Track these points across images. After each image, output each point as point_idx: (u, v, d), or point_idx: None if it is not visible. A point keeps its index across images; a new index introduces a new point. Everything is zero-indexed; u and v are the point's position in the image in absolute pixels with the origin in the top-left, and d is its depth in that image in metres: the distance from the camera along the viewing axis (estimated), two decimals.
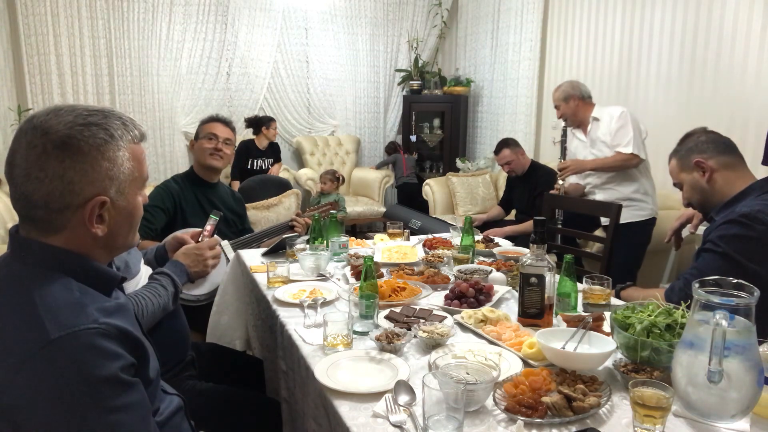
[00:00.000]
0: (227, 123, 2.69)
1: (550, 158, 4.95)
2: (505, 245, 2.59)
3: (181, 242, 1.87)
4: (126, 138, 1.00)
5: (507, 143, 4.05)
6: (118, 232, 1.02)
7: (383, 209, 5.61)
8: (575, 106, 3.39)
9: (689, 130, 1.93)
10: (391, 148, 6.23)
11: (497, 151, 4.07)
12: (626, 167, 3.22)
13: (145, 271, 1.71)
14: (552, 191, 3.44)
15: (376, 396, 1.21)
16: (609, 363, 1.32)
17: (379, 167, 6.20)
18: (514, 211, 4.46)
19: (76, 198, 0.95)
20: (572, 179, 3.44)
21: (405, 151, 6.13)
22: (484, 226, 4.13)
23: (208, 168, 2.65)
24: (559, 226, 3.31)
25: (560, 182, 3.42)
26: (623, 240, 3.07)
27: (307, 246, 2.27)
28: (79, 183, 0.94)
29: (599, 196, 3.33)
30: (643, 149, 3.18)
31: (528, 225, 3.93)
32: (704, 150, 1.79)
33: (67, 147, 0.93)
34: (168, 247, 1.88)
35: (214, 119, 2.69)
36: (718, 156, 1.77)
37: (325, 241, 2.35)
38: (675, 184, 1.90)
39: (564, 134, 3.50)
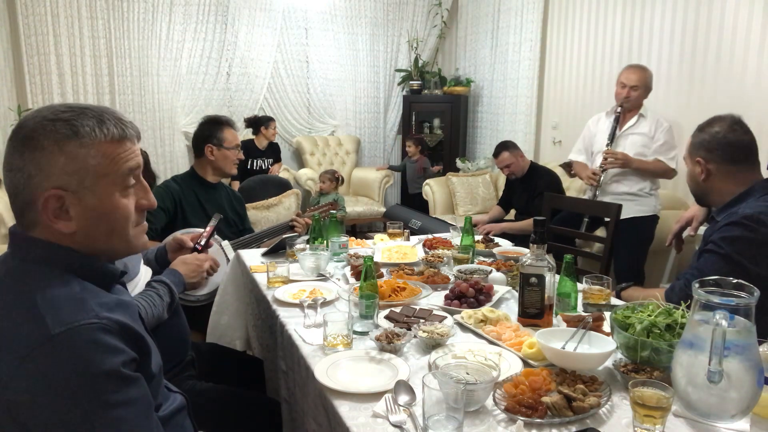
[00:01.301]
0: None
1: (549, 158, 4.95)
2: (505, 245, 2.59)
3: (181, 244, 1.86)
4: (96, 136, 0.97)
5: (506, 146, 4.03)
6: (92, 232, 0.99)
7: (383, 209, 5.61)
8: (644, 97, 3.30)
9: (721, 114, 1.78)
10: (420, 144, 5.86)
11: (496, 154, 4.05)
12: (662, 177, 3.29)
13: (144, 272, 1.70)
14: (591, 176, 3.33)
15: (376, 396, 1.21)
16: (609, 363, 1.33)
17: (394, 168, 6.12)
18: (513, 211, 4.45)
19: (34, 192, 0.95)
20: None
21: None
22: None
23: (228, 175, 2.72)
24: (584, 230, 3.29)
25: (601, 167, 3.27)
26: (626, 237, 3.07)
27: (307, 246, 2.27)
28: (36, 177, 0.94)
29: (606, 186, 3.32)
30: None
31: (525, 223, 3.93)
32: (712, 149, 1.73)
33: (29, 141, 0.95)
34: (168, 248, 1.88)
35: (233, 126, 2.71)
36: (723, 163, 1.72)
37: (325, 241, 2.35)
38: (684, 158, 1.88)
39: (617, 120, 3.33)
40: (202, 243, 1.87)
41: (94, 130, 0.97)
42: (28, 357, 0.85)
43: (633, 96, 3.26)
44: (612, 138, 3.32)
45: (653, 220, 3.28)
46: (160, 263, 1.83)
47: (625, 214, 3.02)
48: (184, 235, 1.89)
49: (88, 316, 0.89)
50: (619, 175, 3.29)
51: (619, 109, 3.32)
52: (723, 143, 1.72)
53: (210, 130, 2.64)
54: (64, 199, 0.96)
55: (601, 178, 3.30)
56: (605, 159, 3.25)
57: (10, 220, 3.40)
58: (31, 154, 0.94)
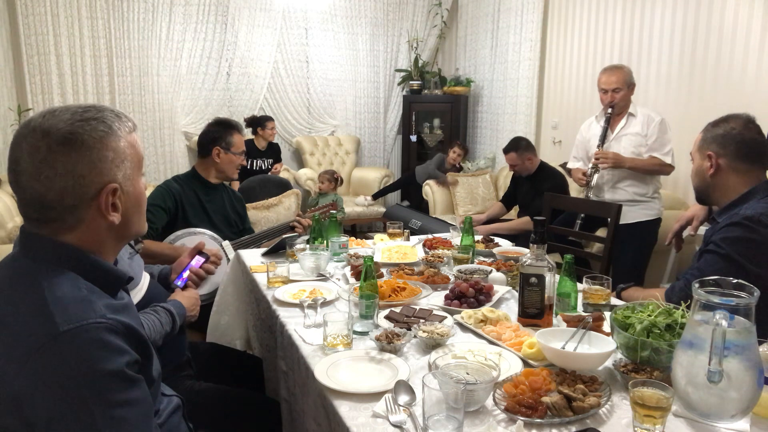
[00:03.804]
0: None
1: (549, 158, 4.93)
2: (505, 245, 2.59)
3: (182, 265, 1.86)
4: (123, 129, 1.03)
5: (517, 147, 3.98)
6: (130, 218, 1.05)
7: (383, 209, 5.60)
8: (630, 95, 3.26)
9: (737, 112, 1.78)
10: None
11: (506, 151, 4.03)
12: (659, 173, 3.23)
13: (144, 281, 1.68)
14: (581, 177, 3.31)
15: (376, 396, 1.21)
16: (609, 363, 1.33)
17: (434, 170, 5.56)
18: (514, 210, 4.45)
19: (88, 190, 0.97)
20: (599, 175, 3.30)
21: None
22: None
23: (230, 179, 2.73)
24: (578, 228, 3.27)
25: (592, 168, 3.24)
26: (630, 240, 3.06)
27: (307, 246, 2.27)
28: (89, 175, 0.97)
29: (609, 195, 3.28)
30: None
31: (516, 223, 3.93)
32: (726, 145, 1.72)
33: (72, 142, 0.95)
34: (173, 269, 1.87)
35: (242, 131, 2.72)
36: (734, 159, 1.72)
37: (325, 241, 2.35)
38: (691, 153, 1.87)
39: (608, 121, 3.28)
40: (184, 276, 1.83)
41: (119, 124, 1.02)
42: (35, 353, 0.86)
43: (617, 98, 3.22)
44: (603, 140, 3.28)
45: (656, 223, 3.26)
46: (161, 280, 1.83)
47: (629, 219, 3.00)
48: (185, 257, 1.88)
49: (95, 315, 0.90)
50: (618, 181, 3.25)
51: (609, 110, 3.27)
52: (737, 139, 1.72)
53: (220, 133, 2.63)
54: (116, 191, 1.00)
55: (593, 180, 3.27)
56: (596, 159, 3.23)
57: (9, 221, 3.40)
58: (79, 154, 0.96)
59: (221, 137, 2.62)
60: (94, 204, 0.98)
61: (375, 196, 5.71)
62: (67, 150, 0.95)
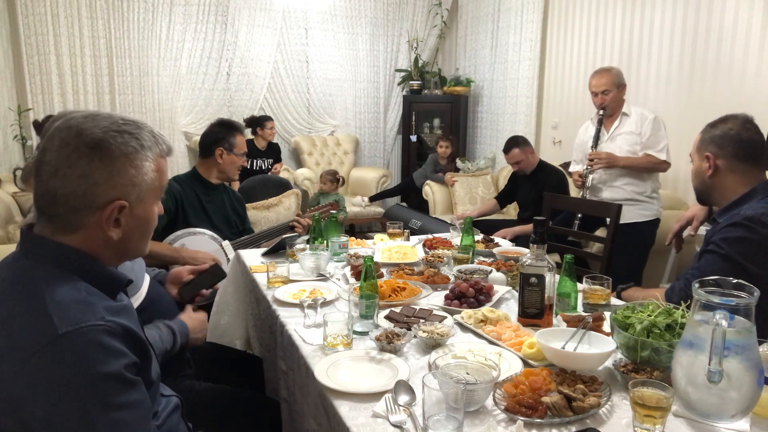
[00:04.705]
0: None
1: (549, 158, 4.93)
2: (505, 245, 2.59)
3: (179, 277, 1.80)
4: (154, 150, 1.03)
5: (517, 142, 3.99)
6: (130, 238, 1.04)
7: (382, 210, 5.60)
8: (621, 96, 3.26)
9: (734, 113, 1.77)
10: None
11: (506, 150, 4.02)
12: (655, 170, 3.23)
13: (145, 284, 1.68)
14: (577, 179, 3.32)
15: (376, 396, 1.21)
16: (609, 363, 1.33)
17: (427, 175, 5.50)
18: (511, 209, 4.43)
19: (97, 199, 0.97)
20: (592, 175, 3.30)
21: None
22: (485, 225, 4.11)
23: (231, 180, 2.74)
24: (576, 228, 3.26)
25: (586, 168, 3.25)
26: (628, 240, 3.06)
27: (307, 246, 2.27)
28: (103, 185, 0.97)
29: (606, 193, 3.28)
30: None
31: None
32: (723, 146, 1.72)
33: (99, 149, 0.96)
34: (168, 279, 1.82)
35: (244, 133, 2.73)
36: (732, 160, 1.71)
37: (325, 241, 2.35)
38: (690, 154, 1.86)
39: (600, 122, 3.30)
40: (190, 289, 1.77)
41: (152, 145, 1.02)
42: (34, 354, 0.86)
43: (608, 100, 3.23)
44: (596, 141, 3.30)
45: (655, 224, 3.26)
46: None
47: (627, 219, 3.00)
48: (182, 270, 1.85)
49: (94, 318, 0.90)
50: (615, 179, 3.26)
51: (601, 112, 3.29)
52: (735, 140, 1.72)
53: (223, 134, 2.64)
54: (124, 209, 0.99)
55: (588, 180, 3.28)
56: (591, 160, 3.25)
57: (9, 221, 3.40)
58: (102, 163, 0.96)
59: (224, 138, 2.63)
60: (99, 214, 0.98)
61: (372, 199, 5.72)
62: (91, 155, 0.95)
